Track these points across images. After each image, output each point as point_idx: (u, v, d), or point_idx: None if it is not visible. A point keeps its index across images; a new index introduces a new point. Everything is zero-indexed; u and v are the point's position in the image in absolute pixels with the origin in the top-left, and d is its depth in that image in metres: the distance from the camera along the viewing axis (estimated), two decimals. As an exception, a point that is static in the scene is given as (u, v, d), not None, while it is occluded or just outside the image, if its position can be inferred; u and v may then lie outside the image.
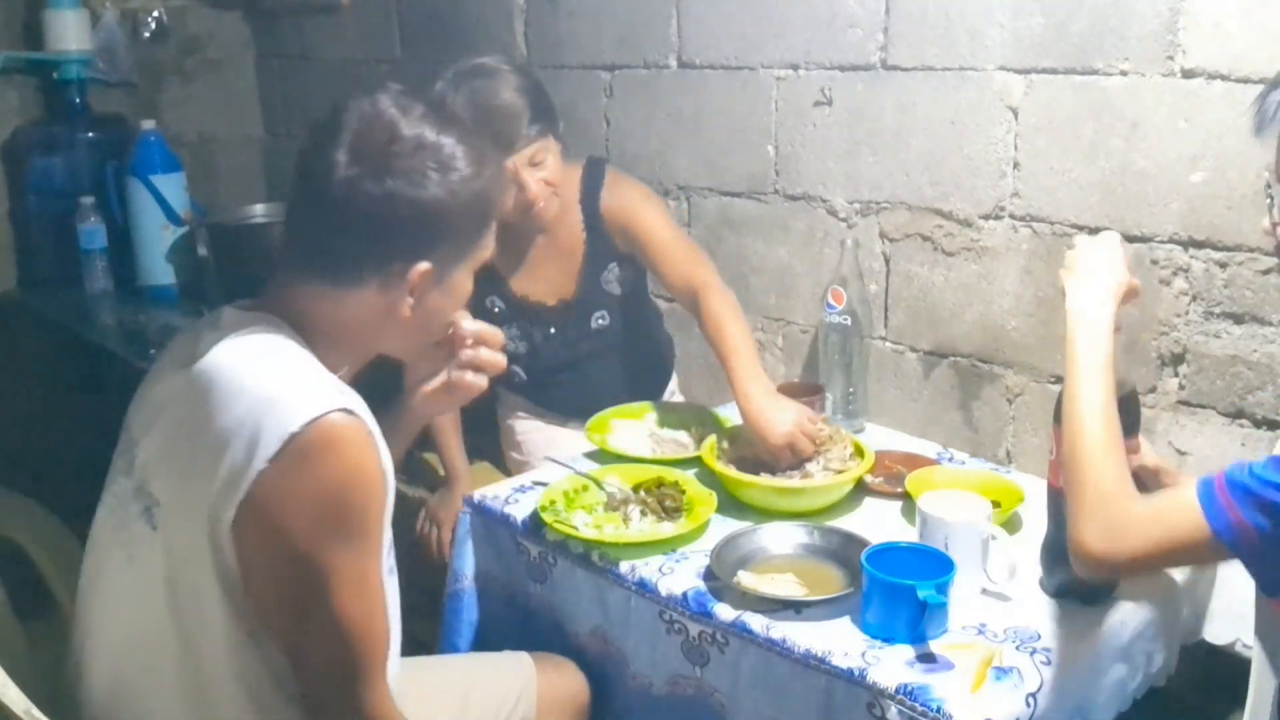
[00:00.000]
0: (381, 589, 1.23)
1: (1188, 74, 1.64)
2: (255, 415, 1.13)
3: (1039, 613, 1.44)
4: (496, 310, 2.11)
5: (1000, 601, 1.46)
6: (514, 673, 1.60)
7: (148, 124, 2.95)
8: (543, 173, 1.92)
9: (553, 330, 2.13)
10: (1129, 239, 1.74)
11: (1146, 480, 1.40)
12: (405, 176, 1.20)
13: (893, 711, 1.29)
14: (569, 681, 1.63)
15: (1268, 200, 1.18)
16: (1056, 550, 1.47)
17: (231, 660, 1.19)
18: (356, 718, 1.20)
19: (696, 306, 1.93)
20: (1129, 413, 1.41)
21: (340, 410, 1.14)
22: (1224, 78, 1.60)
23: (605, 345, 2.16)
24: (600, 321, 2.14)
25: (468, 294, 1.34)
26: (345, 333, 1.27)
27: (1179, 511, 1.11)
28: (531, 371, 2.16)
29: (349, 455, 1.14)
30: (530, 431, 2.22)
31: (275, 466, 1.11)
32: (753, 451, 1.79)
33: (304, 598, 1.16)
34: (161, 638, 1.21)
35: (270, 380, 1.16)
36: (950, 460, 1.94)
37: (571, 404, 2.15)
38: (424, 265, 1.23)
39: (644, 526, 1.67)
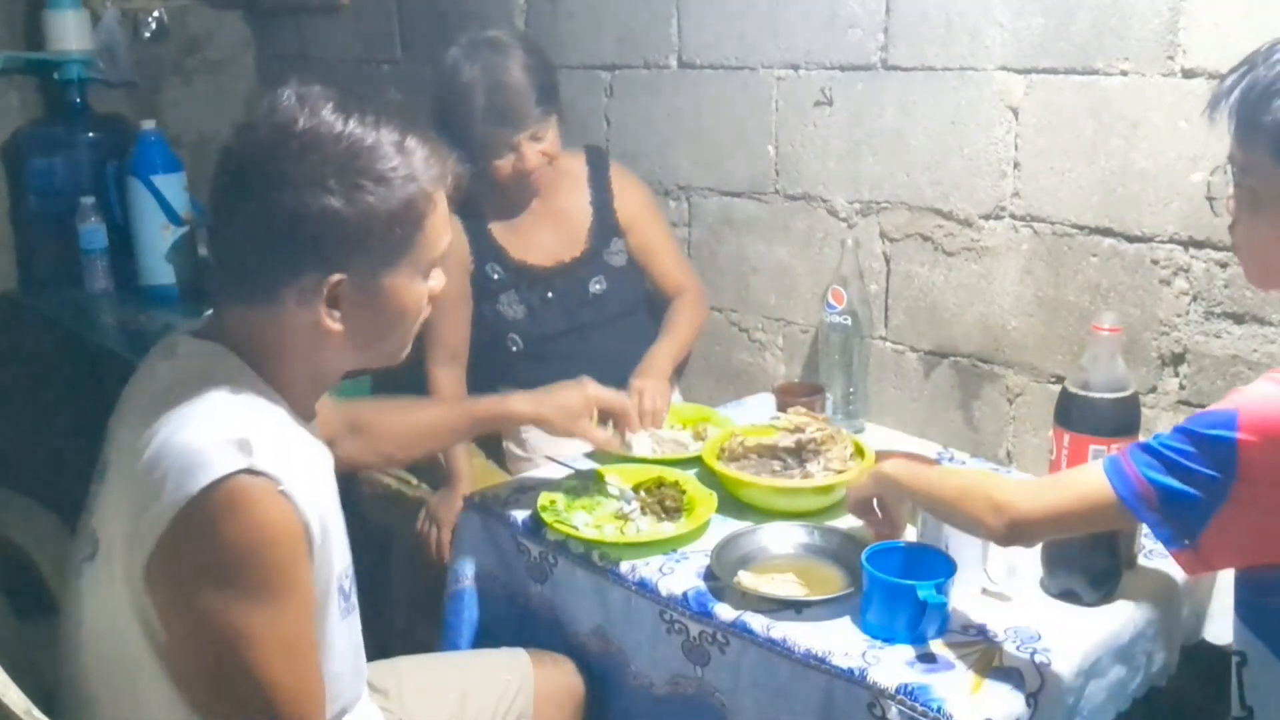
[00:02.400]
0: (312, 647, 1.16)
1: (1188, 74, 1.64)
2: (164, 472, 1.07)
3: (1039, 613, 1.44)
4: (496, 277, 2.15)
5: (1000, 601, 1.46)
6: (512, 669, 1.60)
7: (148, 124, 2.95)
8: (542, 145, 2.04)
9: (550, 294, 2.17)
10: (1129, 239, 1.75)
11: None
12: (294, 184, 1.09)
13: (893, 711, 1.29)
14: (566, 677, 1.63)
15: (1225, 178, 1.19)
16: (1057, 551, 1.47)
17: None
18: None
19: (675, 297, 2.24)
20: (1129, 413, 1.41)
21: (245, 471, 1.06)
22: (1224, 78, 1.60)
23: (602, 315, 2.19)
24: (597, 286, 2.19)
25: (422, 296, 1.23)
26: (287, 353, 1.19)
27: (1083, 476, 1.22)
28: (529, 339, 2.18)
29: (253, 516, 1.07)
30: (533, 430, 2.22)
31: (175, 528, 1.06)
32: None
33: (223, 663, 1.09)
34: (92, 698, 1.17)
35: (186, 434, 1.09)
36: (950, 460, 1.94)
37: (570, 378, 2.16)
38: (336, 276, 1.14)
39: (644, 526, 1.67)
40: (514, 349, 2.19)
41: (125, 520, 1.10)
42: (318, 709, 1.16)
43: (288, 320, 1.16)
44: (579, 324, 2.18)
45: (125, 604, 1.11)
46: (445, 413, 1.73)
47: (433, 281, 1.24)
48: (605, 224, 2.19)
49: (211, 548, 1.06)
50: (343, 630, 1.25)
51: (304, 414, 1.24)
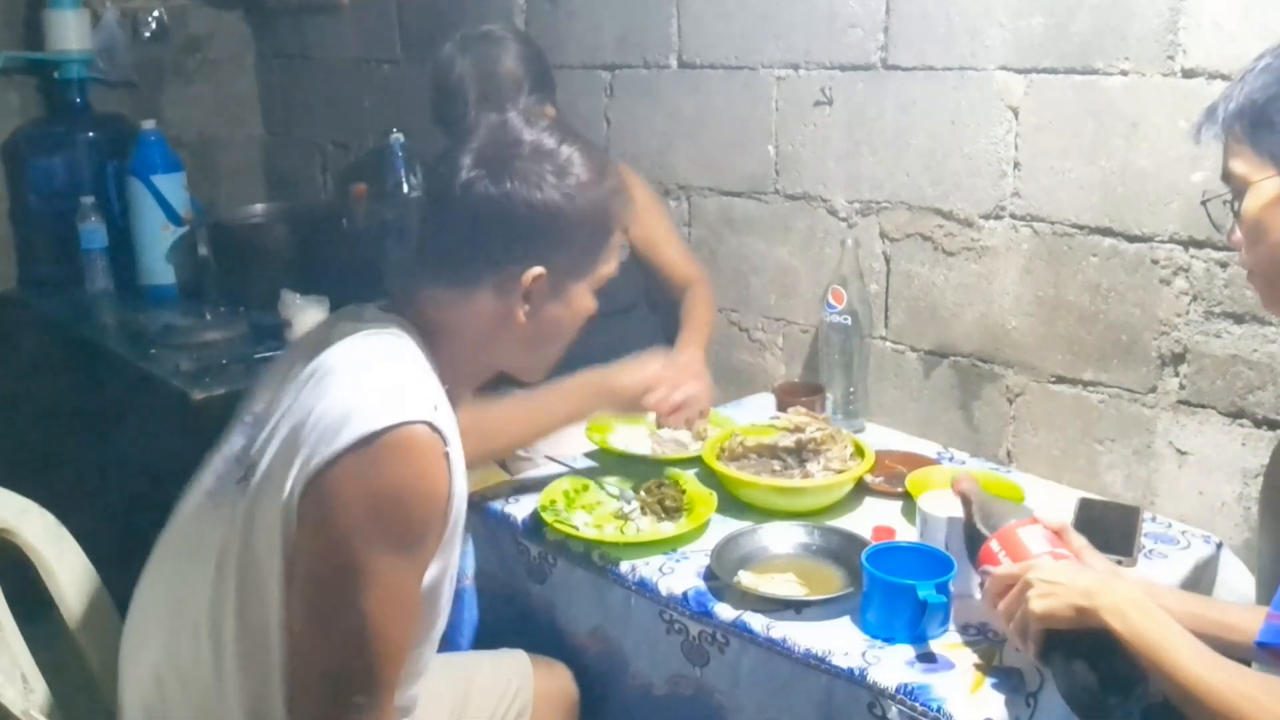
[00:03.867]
0: (415, 614, 1.22)
1: (1188, 74, 1.64)
2: (348, 406, 1.16)
3: (1039, 613, 1.43)
4: None
5: (1000, 601, 1.46)
6: (512, 669, 1.61)
7: (148, 124, 2.95)
8: None
9: None
10: (1129, 239, 1.74)
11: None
12: (523, 179, 1.25)
13: (893, 711, 1.29)
14: (561, 682, 1.64)
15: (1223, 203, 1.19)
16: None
17: (280, 646, 1.21)
18: None
19: (686, 289, 2.21)
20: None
21: (425, 424, 1.16)
22: (1224, 78, 1.60)
23: (601, 309, 2.17)
24: None
25: (589, 310, 1.37)
26: (464, 341, 1.31)
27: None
28: None
29: (417, 466, 1.16)
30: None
31: (346, 457, 1.13)
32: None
33: (335, 593, 1.16)
34: (224, 602, 1.22)
35: (375, 380, 1.20)
36: (950, 460, 1.94)
37: (569, 372, 2.16)
38: (537, 270, 1.27)
39: (644, 526, 1.67)
40: None
41: (291, 446, 1.17)
42: (397, 671, 1.21)
43: (480, 307, 1.29)
44: None
45: (274, 520, 1.17)
46: (558, 398, 1.74)
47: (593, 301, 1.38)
48: None
49: (375, 479, 1.14)
50: (440, 621, 1.32)
51: (454, 405, 1.30)
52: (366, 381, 1.20)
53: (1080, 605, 1.16)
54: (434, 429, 1.17)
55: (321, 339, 1.29)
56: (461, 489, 1.22)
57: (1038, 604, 1.18)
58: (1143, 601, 1.15)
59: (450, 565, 1.28)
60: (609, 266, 1.36)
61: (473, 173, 1.26)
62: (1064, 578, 1.20)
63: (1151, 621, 1.12)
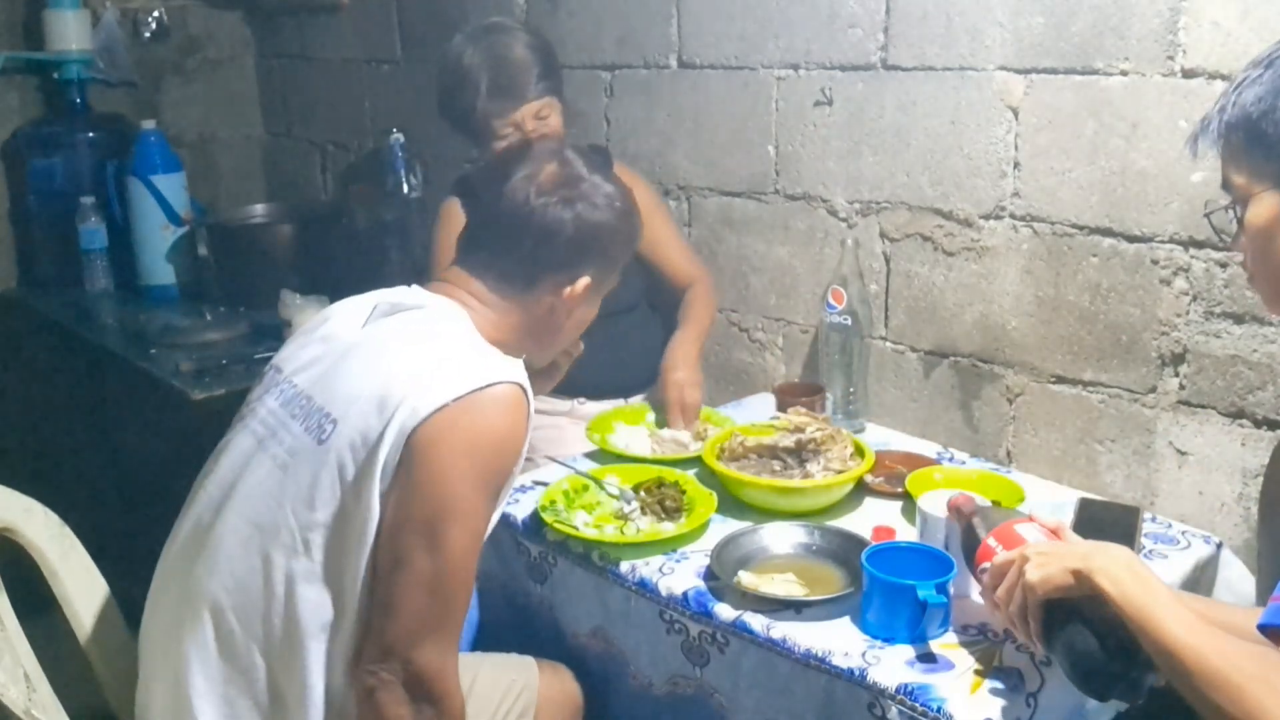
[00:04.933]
0: (478, 552, 1.37)
1: (1188, 74, 1.64)
2: (447, 364, 1.33)
3: (1039, 612, 1.44)
4: None
5: (1000, 601, 1.46)
6: (517, 669, 1.62)
7: (148, 124, 2.95)
8: (545, 128, 2.05)
9: None
10: (1129, 239, 1.74)
11: None
12: (588, 204, 1.48)
13: (893, 711, 1.29)
14: (566, 685, 1.65)
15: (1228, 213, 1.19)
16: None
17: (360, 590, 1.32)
18: (426, 670, 1.29)
19: (688, 288, 2.25)
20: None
21: (517, 385, 1.35)
22: (1224, 78, 1.60)
23: (604, 309, 2.17)
24: None
25: (594, 314, 1.59)
26: (508, 328, 1.48)
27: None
28: None
29: (510, 419, 1.33)
30: (535, 430, 2.22)
31: (451, 407, 1.29)
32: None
33: (424, 533, 1.28)
34: (308, 543, 1.32)
35: (463, 343, 1.39)
36: (950, 460, 1.94)
37: (573, 371, 2.17)
38: (587, 279, 1.49)
39: (644, 526, 1.67)
40: None
41: (393, 399, 1.30)
42: (463, 616, 1.36)
43: (533, 307, 1.49)
44: None
45: (368, 469, 1.29)
46: None
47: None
48: None
49: (476, 427, 1.30)
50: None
51: None
52: (456, 346, 1.38)
53: (1076, 568, 1.16)
54: (522, 390, 1.35)
55: (374, 311, 1.45)
56: (526, 448, 1.39)
57: (1034, 573, 1.20)
58: (1137, 566, 1.16)
59: (495, 519, 1.41)
60: (615, 281, 1.59)
61: (542, 198, 1.46)
62: (1059, 548, 1.25)
63: (1141, 585, 1.12)
